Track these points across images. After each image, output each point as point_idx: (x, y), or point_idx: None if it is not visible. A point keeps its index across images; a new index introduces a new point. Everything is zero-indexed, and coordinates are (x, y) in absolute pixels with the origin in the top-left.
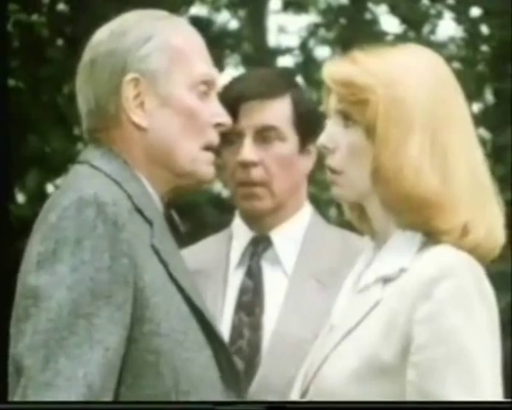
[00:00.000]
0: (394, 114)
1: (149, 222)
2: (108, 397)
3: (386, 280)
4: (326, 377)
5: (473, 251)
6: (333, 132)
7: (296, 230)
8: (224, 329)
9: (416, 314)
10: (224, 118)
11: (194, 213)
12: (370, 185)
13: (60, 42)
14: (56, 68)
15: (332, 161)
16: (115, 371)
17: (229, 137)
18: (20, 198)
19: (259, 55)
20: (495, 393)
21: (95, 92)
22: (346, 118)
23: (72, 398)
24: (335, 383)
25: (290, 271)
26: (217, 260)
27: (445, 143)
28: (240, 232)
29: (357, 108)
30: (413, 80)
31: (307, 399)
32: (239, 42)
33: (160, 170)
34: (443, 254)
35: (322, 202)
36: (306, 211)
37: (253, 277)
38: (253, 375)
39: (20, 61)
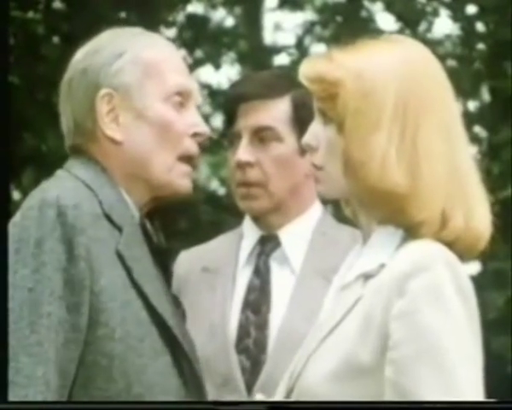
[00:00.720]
0: (363, 107)
1: (118, 228)
2: (64, 395)
3: (367, 277)
4: (308, 376)
5: (455, 244)
6: (315, 131)
7: (305, 229)
8: (233, 327)
9: (392, 311)
10: (201, 128)
11: (189, 211)
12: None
13: (55, 40)
14: (52, 66)
15: (314, 159)
16: (71, 371)
17: (230, 139)
18: (16, 196)
19: (255, 52)
20: (473, 389)
21: (72, 110)
22: (324, 115)
23: (31, 395)
24: (316, 382)
25: (298, 270)
26: (227, 258)
27: (417, 135)
28: (249, 232)
29: (329, 104)
30: (383, 73)
31: (292, 398)
32: (235, 40)
33: (136, 182)
34: (417, 248)
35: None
36: (315, 210)
37: (261, 275)
38: (258, 373)
39: (15, 59)
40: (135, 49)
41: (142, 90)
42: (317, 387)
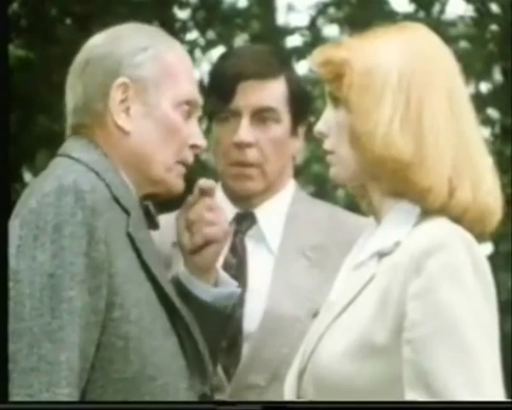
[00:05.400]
0: (367, 83)
1: (126, 211)
2: (84, 378)
3: (381, 255)
4: (321, 355)
5: (464, 216)
6: (326, 117)
7: (280, 206)
8: None
9: (409, 290)
10: (200, 141)
11: None
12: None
13: (69, 21)
14: (65, 47)
15: (326, 144)
16: (91, 354)
17: (225, 116)
18: (28, 177)
19: (268, 33)
20: (491, 366)
21: (85, 90)
22: (333, 98)
23: (55, 381)
24: (330, 361)
25: (275, 248)
26: None
27: (422, 107)
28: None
29: (336, 84)
30: (387, 52)
31: (305, 377)
32: (248, 21)
33: (134, 174)
34: (434, 227)
35: (329, 180)
36: (290, 187)
37: (237, 254)
38: (234, 353)
39: (28, 41)
40: (158, 47)
41: (157, 88)
42: (330, 366)
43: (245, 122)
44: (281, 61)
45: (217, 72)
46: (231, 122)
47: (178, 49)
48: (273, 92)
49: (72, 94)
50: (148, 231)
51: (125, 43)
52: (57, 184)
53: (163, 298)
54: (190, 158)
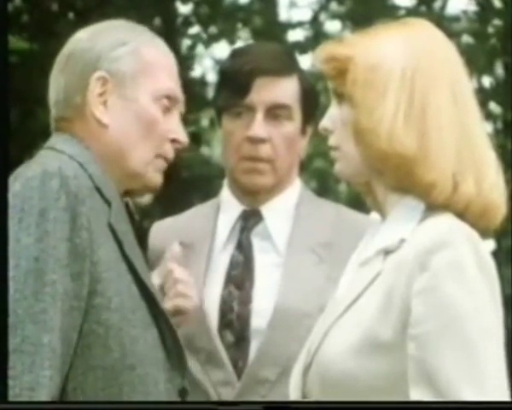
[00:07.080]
0: (370, 79)
1: (108, 202)
2: (67, 363)
3: (387, 252)
4: (326, 351)
5: (467, 211)
6: (331, 114)
7: (287, 204)
8: (214, 302)
9: (414, 287)
10: (181, 136)
11: (203, 185)
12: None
13: (70, 16)
14: (65, 42)
15: (331, 140)
16: (73, 339)
17: (238, 111)
18: None
19: (270, 28)
20: (495, 362)
21: (66, 84)
22: (337, 95)
23: (38, 362)
24: (335, 357)
25: (281, 245)
26: (202, 234)
27: (426, 102)
28: (229, 206)
29: (340, 80)
30: (391, 48)
31: (310, 373)
32: (250, 16)
33: (112, 168)
34: (438, 224)
35: (332, 176)
36: (296, 185)
37: (244, 251)
38: (242, 348)
39: (29, 35)
40: (137, 42)
41: (135, 82)
42: (335, 362)
43: (259, 117)
44: (293, 59)
45: (231, 67)
46: (244, 117)
47: (160, 46)
48: (287, 90)
49: (55, 87)
50: (128, 222)
51: (105, 37)
52: (42, 169)
53: (144, 291)
54: (170, 153)
